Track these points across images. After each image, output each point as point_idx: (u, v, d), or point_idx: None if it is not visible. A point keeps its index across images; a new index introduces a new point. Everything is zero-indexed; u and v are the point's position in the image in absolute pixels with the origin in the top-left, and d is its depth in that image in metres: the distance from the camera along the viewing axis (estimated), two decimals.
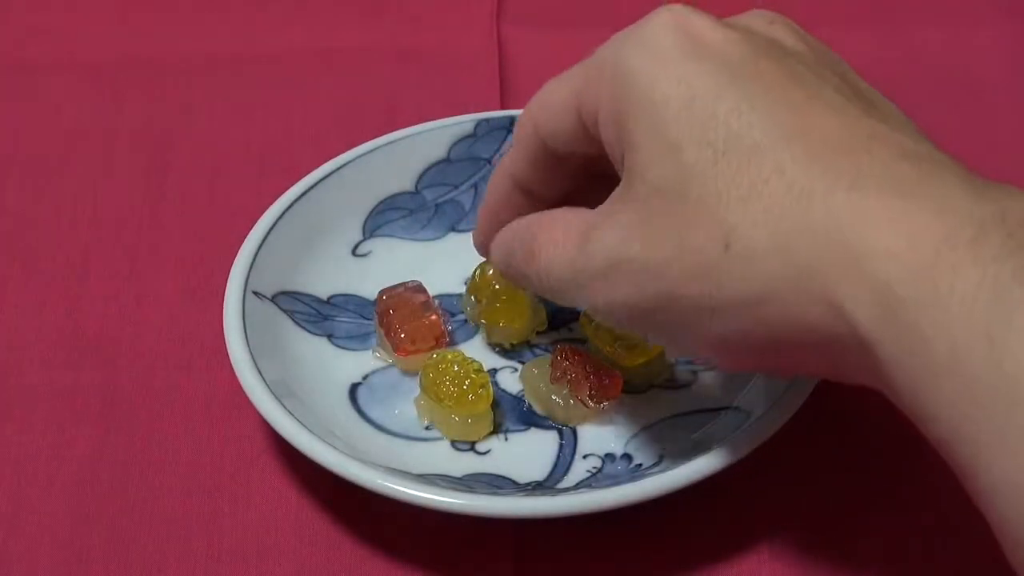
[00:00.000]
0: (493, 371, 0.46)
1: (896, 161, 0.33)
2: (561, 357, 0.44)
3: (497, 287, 0.47)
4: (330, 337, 0.47)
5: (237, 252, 0.46)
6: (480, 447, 0.44)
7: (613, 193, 0.37)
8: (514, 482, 0.42)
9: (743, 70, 0.35)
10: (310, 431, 0.40)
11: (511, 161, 0.42)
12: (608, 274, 0.36)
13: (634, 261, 0.35)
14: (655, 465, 0.42)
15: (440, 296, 0.48)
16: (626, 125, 0.36)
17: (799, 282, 0.32)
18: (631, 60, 0.36)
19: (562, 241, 0.38)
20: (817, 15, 0.56)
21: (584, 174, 0.41)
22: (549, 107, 0.40)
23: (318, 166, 0.50)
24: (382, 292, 0.47)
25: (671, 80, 0.35)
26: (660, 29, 0.36)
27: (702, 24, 0.36)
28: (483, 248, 0.44)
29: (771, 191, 0.33)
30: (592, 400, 0.44)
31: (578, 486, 0.41)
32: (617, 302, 0.36)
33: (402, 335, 0.45)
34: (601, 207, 0.38)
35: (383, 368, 0.46)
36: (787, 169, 0.33)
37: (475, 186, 0.52)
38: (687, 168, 0.34)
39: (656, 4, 0.67)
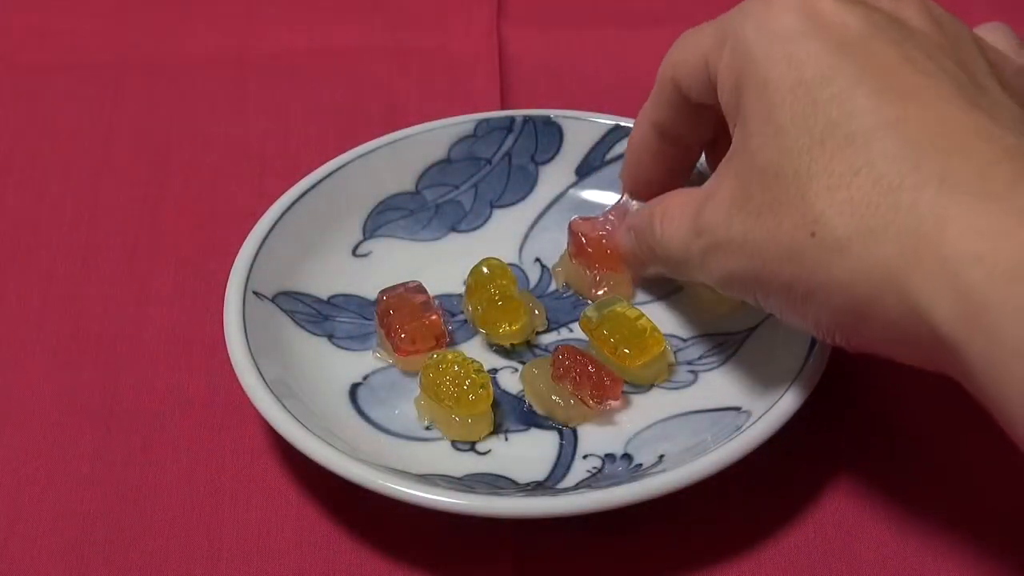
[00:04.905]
0: (493, 371, 0.46)
1: (993, 162, 0.32)
2: (562, 357, 0.44)
3: (492, 290, 0.47)
4: (330, 337, 0.47)
5: (237, 252, 0.46)
6: (480, 447, 0.44)
7: (722, 163, 0.39)
8: (514, 482, 0.42)
9: (855, 51, 0.35)
10: (310, 431, 0.40)
11: (651, 108, 0.44)
12: (714, 251, 0.38)
13: (733, 241, 0.37)
14: (655, 465, 0.42)
15: (440, 296, 0.48)
16: (739, 98, 0.37)
17: (879, 278, 0.33)
18: (748, 33, 0.37)
19: (678, 220, 0.40)
20: None
21: (721, 123, 0.41)
22: (685, 62, 0.41)
23: (318, 166, 0.50)
24: (382, 292, 0.47)
25: (782, 61, 0.36)
26: (783, 3, 0.37)
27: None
28: (631, 186, 0.47)
29: (859, 183, 0.33)
30: (593, 400, 0.44)
31: (578, 486, 0.41)
32: (724, 276, 0.38)
33: (402, 335, 0.45)
34: (710, 181, 0.39)
35: (383, 368, 0.46)
36: (877, 163, 0.33)
37: (475, 186, 0.52)
38: (786, 152, 0.35)
39: (650, 5, 0.67)
